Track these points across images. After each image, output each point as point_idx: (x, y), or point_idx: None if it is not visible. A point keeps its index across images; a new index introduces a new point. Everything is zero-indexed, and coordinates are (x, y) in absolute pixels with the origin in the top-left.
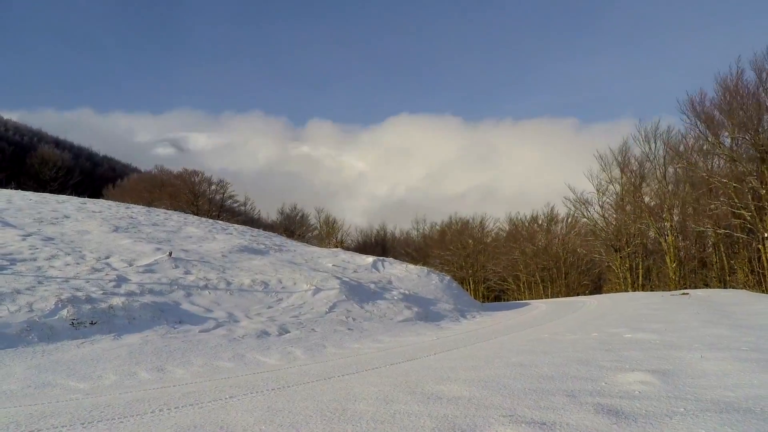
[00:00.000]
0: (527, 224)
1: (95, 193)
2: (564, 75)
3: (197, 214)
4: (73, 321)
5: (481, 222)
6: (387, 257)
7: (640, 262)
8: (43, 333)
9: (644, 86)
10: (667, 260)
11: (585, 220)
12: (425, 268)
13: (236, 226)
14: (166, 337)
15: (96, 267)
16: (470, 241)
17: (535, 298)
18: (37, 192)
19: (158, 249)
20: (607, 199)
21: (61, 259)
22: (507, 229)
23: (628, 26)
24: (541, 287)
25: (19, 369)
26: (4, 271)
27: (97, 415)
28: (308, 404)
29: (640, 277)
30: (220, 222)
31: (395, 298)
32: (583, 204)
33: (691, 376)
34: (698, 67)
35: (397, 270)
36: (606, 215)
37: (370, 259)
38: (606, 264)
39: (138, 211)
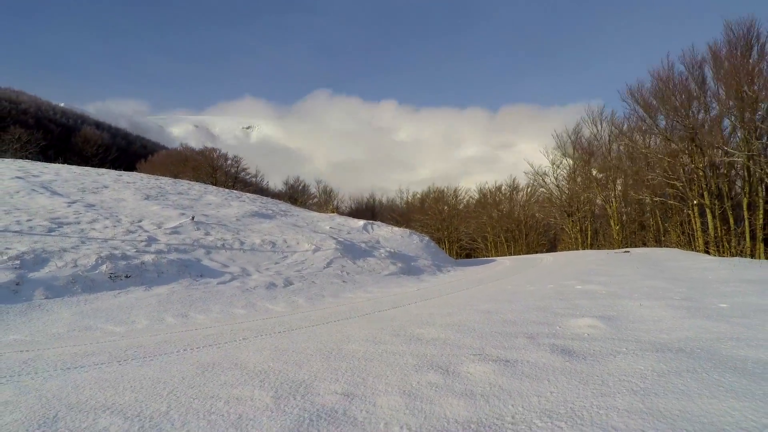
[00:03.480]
0: (494, 193)
1: (129, 167)
2: None
3: (215, 185)
4: (111, 275)
5: (455, 191)
6: (376, 221)
7: (589, 225)
8: (86, 285)
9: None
10: (612, 223)
11: (543, 189)
12: (408, 230)
13: (248, 194)
14: (189, 288)
15: (130, 229)
16: (445, 207)
17: (501, 256)
18: (81, 166)
19: (182, 214)
20: (561, 172)
21: (100, 222)
22: (476, 197)
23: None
24: (506, 246)
25: (66, 315)
26: (53, 233)
27: (131, 354)
28: (309, 345)
29: (589, 238)
30: (235, 191)
31: (382, 255)
32: (541, 176)
33: (632, 321)
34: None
35: (384, 232)
36: (560, 185)
37: (361, 222)
38: (560, 226)
39: (165, 182)
